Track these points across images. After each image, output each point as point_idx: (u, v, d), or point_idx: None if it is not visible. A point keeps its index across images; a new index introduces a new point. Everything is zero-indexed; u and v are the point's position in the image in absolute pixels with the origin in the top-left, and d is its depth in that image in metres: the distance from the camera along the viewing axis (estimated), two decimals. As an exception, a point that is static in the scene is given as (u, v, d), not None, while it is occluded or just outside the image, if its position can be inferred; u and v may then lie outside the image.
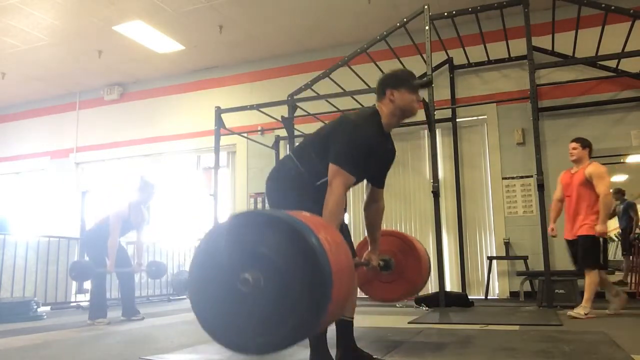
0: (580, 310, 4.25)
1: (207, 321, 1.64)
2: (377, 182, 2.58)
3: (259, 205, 7.89)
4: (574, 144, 4.58)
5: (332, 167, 2.24)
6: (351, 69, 6.24)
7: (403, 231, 7.22)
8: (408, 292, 3.06)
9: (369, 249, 2.68)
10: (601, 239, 4.33)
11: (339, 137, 2.30)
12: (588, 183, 4.36)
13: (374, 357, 2.47)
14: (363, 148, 2.30)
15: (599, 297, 5.78)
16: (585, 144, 4.55)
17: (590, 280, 4.31)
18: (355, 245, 3.06)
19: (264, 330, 1.54)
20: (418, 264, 3.01)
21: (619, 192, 8.47)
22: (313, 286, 1.50)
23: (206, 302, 1.65)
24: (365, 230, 2.69)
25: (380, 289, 3.02)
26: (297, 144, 2.67)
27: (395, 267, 2.94)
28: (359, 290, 3.02)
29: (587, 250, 4.32)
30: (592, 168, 4.40)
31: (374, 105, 2.49)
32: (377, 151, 2.41)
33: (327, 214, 2.17)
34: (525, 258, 6.28)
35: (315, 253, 1.51)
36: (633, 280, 6.69)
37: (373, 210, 2.62)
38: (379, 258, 2.72)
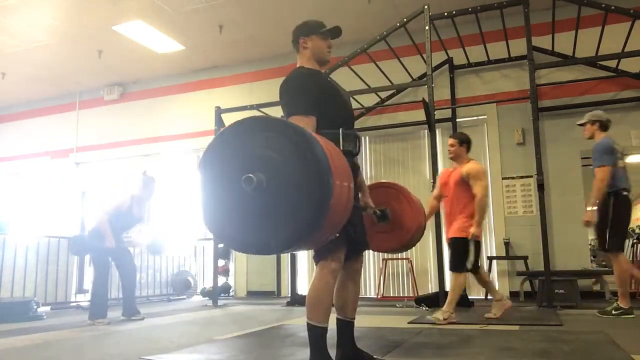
0: (439, 315, 4.02)
1: (219, 227, 1.74)
2: (349, 123, 2.53)
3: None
4: (451, 141, 4.28)
5: (292, 121, 2.24)
6: (351, 69, 6.24)
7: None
8: (406, 241, 3.02)
9: (360, 195, 2.65)
10: (473, 242, 4.02)
11: (284, 98, 2.35)
12: (464, 182, 4.08)
13: (374, 357, 2.47)
14: (308, 86, 2.33)
15: (598, 297, 5.80)
16: (462, 140, 4.25)
17: (454, 284, 4.05)
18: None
19: (266, 231, 1.63)
20: (413, 211, 2.99)
21: None
22: (314, 191, 1.55)
23: (216, 208, 1.73)
24: None
25: (379, 239, 2.99)
26: None
27: (392, 217, 2.92)
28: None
29: (455, 253, 4.06)
30: (470, 167, 4.11)
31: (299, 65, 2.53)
32: (324, 82, 2.45)
33: None
34: (525, 258, 6.28)
35: (319, 160, 1.58)
36: (633, 280, 6.69)
37: None
38: (375, 208, 2.73)
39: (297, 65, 2.50)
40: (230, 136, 1.75)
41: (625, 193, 4.33)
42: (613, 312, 4.24)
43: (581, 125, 4.68)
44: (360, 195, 2.63)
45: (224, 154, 1.72)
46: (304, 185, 1.57)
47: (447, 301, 4.08)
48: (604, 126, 4.55)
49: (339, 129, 2.30)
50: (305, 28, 2.53)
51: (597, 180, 4.33)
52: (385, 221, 2.85)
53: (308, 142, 1.61)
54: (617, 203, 4.29)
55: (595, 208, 4.33)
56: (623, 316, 4.19)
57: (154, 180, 5.04)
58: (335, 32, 2.55)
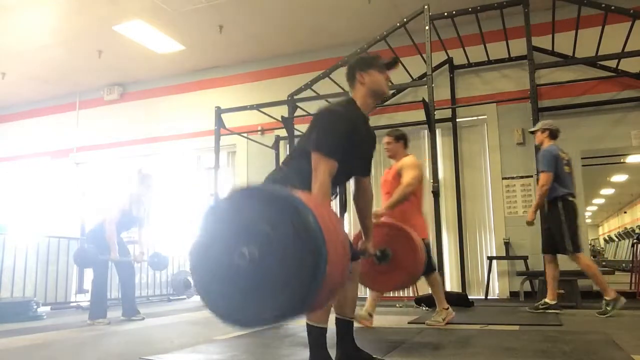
0: (437, 318, 3.92)
1: (211, 299, 1.68)
2: (362, 171, 2.56)
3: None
4: (386, 139, 4.12)
5: (313, 155, 2.23)
6: (351, 68, 6.23)
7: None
8: (406, 281, 3.02)
9: (363, 238, 2.67)
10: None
11: (317, 125, 2.32)
12: (400, 177, 3.91)
13: (374, 356, 2.47)
14: (342, 130, 2.28)
15: (598, 297, 5.79)
16: (398, 136, 4.08)
17: (435, 283, 3.94)
18: (351, 237, 3.03)
19: (260, 304, 1.58)
20: (414, 252, 2.97)
21: None
22: (307, 263, 1.53)
23: (208, 280, 1.68)
24: (358, 220, 2.67)
25: (379, 280, 2.98)
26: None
27: (392, 257, 2.91)
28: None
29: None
30: (404, 160, 3.97)
31: (350, 97, 2.51)
32: (358, 132, 2.39)
33: (312, 197, 2.18)
34: (525, 258, 6.28)
35: (312, 231, 1.53)
36: (633, 280, 6.70)
37: (362, 198, 2.61)
38: (375, 249, 2.73)
39: (353, 95, 2.47)
40: (224, 207, 1.72)
41: (570, 198, 4.58)
42: (607, 308, 4.27)
43: (532, 132, 4.92)
44: (362, 239, 2.66)
45: (216, 225, 1.69)
46: (297, 257, 1.54)
47: (437, 303, 3.99)
48: (553, 135, 4.79)
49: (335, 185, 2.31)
50: (362, 63, 2.47)
51: (539, 185, 4.62)
52: (386, 261, 2.86)
53: (300, 212, 1.56)
54: (566, 206, 4.54)
55: (536, 211, 4.69)
56: (617, 307, 4.23)
57: (151, 177, 5.01)
58: (393, 63, 2.49)
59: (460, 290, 6.46)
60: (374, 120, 7.94)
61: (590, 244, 7.41)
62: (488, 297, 6.40)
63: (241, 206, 1.66)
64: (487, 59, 6.84)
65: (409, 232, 3.06)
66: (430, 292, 5.51)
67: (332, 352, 2.30)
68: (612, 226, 25.07)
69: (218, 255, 1.64)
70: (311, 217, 1.56)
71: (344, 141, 2.27)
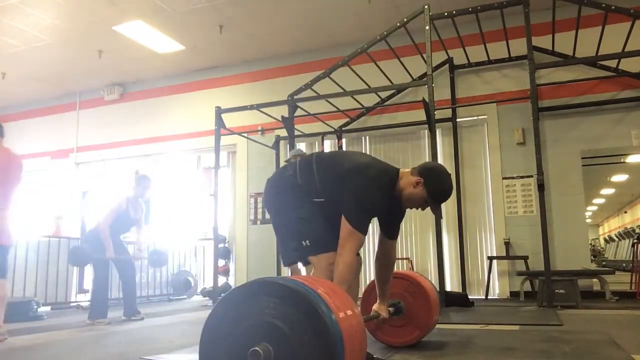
0: None
1: None
2: (389, 232, 2.58)
3: (259, 206, 7.88)
4: None
5: (347, 227, 2.24)
6: (351, 69, 6.24)
7: (403, 232, 7.22)
8: (421, 335, 2.96)
9: (378, 300, 2.66)
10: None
11: (355, 190, 2.29)
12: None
13: (374, 356, 2.47)
14: (374, 205, 2.33)
15: (598, 297, 5.79)
16: None
17: None
18: (362, 292, 3.01)
19: None
20: (427, 304, 2.90)
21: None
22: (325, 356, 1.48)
23: None
24: (375, 282, 2.68)
25: (391, 333, 2.95)
26: (307, 155, 2.67)
27: (405, 310, 2.88)
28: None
29: None
30: None
31: (399, 169, 2.47)
32: (389, 204, 2.43)
33: (337, 276, 2.19)
34: (525, 258, 6.28)
35: (330, 333, 1.49)
36: (633, 280, 6.69)
37: (384, 264, 2.61)
38: (388, 303, 2.71)
39: (401, 173, 2.44)
40: (233, 302, 1.63)
41: None
42: None
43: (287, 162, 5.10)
44: (378, 301, 2.66)
45: (226, 322, 1.61)
46: (315, 356, 1.49)
47: None
48: None
49: None
50: (433, 181, 2.38)
51: None
52: (399, 315, 2.84)
53: (315, 310, 1.51)
54: None
55: None
56: None
57: (147, 178, 5.07)
58: (438, 211, 2.47)
59: (460, 290, 6.47)
60: (374, 120, 7.99)
61: (591, 244, 7.38)
62: (488, 297, 6.40)
63: (252, 301, 1.59)
64: (487, 59, 6.83)
65: (419, 280, 2.97)
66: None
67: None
68: (612, 226, 25.07)
69: (230, 348, 1.57)
70: (326, 311, 1.51)
71: (373, 212, 2.37)
